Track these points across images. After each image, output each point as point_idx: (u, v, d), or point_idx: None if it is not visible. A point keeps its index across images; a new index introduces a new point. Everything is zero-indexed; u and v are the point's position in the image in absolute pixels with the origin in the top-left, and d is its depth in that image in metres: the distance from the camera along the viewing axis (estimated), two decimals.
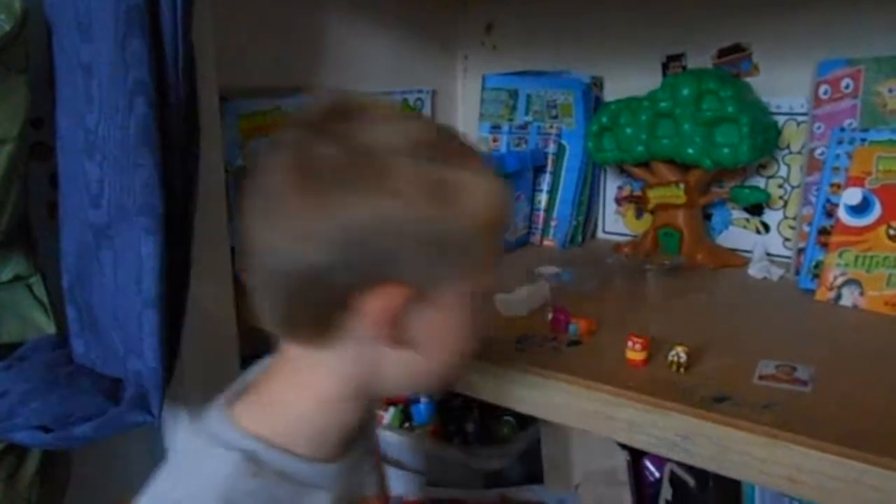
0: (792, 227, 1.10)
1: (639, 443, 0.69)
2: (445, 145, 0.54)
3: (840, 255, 0.90)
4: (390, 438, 1.18)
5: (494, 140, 1.34)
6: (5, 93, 0.80)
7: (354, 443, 0.60)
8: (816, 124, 1.02)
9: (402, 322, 0.52)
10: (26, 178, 0.86)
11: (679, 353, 0.72)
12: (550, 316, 0.86)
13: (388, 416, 1.26)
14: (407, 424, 1.27)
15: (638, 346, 0.74)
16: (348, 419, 0.57)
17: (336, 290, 0.50)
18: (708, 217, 1.18)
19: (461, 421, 1.23)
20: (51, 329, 0.92)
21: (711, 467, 0.65)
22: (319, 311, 0.52)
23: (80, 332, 0.87)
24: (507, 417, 1.20)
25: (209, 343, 0.98)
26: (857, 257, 0.89)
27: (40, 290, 0.92)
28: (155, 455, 1.07)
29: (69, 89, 0.81)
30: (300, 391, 0.56)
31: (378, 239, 0.49)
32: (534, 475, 1.15)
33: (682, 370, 0.72)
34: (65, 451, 0.96)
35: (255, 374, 0.62)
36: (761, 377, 0.70)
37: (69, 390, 0.85)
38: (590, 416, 0.71)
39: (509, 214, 0.59)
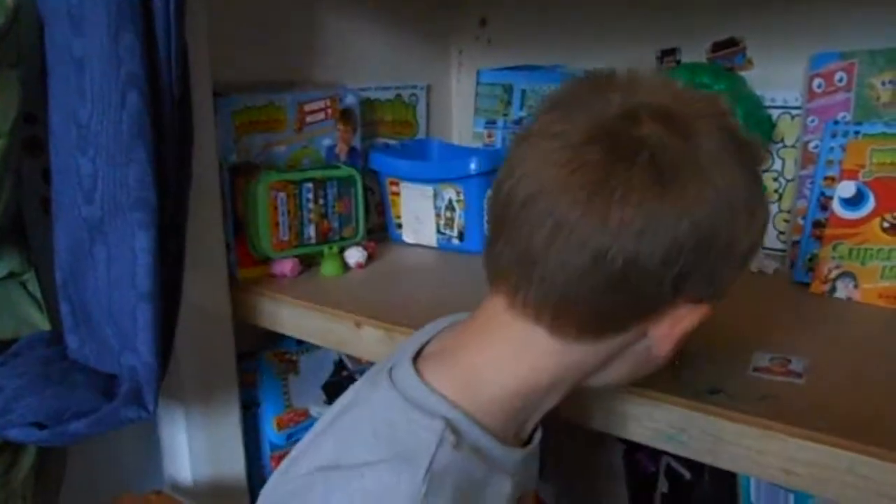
0: (786, 221, 1.10)
1: (633, 435, 0.69)
2: (744, 149, 0.50)
3: (834, 248, 0.91)
4: None
5: (489, 135, 1.34)
6: None
7: (537, 432, 0.58)
8: (810, 118, 1.02)
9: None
10: (19, 173, 0.86)
11: None
12: None
13: None
14: None
15: None
16: (548, 406, 0.56)
17: (656, 292, 0.48)
18: None
19: None
20: (45, 325, 0.92)
21: (706, 459, 0.65)
22: (619, 307, 0.50)
23: (74, 328, 0.87)
24: None
25: (204, 338, 0.98)
26: (851, 250, 0.89)
27: (34, 287, 0.92)
28: (150, 450, 1.08)
29: (61, 84, 0.81)
30: (513, 367, 0.53)
31: (710, 247, 0.47)
32: None
33: (677, 362, 0.72)
34: (60, 448, 0.96)
35: (444, 331, 0.60)
36: (756, 369, 0.70)
37: (63, 386, 0.85)
38: (584, 409, 0.71)
39: None
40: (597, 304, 0.49)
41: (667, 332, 0.52)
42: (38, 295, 0.92)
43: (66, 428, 0.82)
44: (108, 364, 0.86)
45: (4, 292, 0.91)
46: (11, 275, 0.91)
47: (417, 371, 0.54)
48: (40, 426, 0.82)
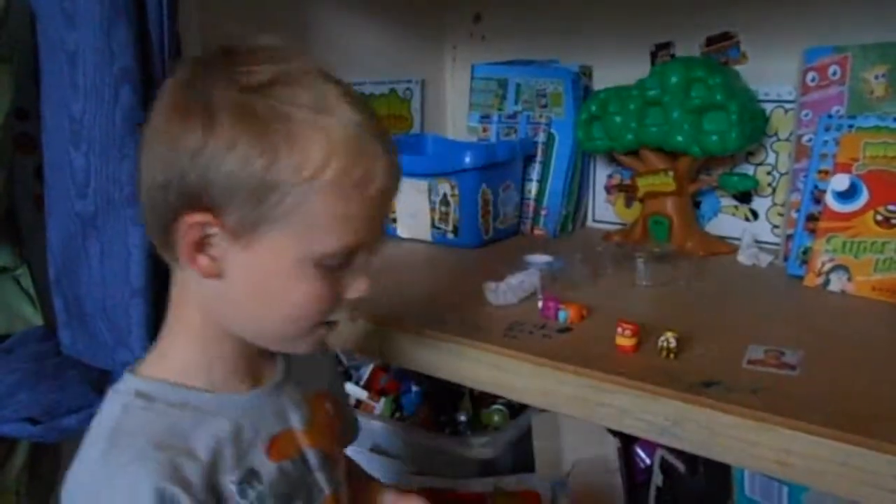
0: (780, 214, 1.10)
1: (629, 428, 0.69)
2: (304, 91, 0.53)
3: (828, 241, 0.91)
4: (381, 429, 1.18)
5: (484, 130, 1.34)
6: None
7: (265, 378, 0.62)
8: (804, 111, 1.02)
9: (211, 252, 0.54)
10: (12, 169, 0.86)
11: (669, 338, 0.72)
12: (541, 303, 0.86)
13: (378, 406, 1.26)
14: (398, 415, 1.27)
15: (628, 332, 0.74)
16: (230, 352, 0.59)
17: (164, 209, 0.54)
18: (697, 205, 1.18)
19: (452, 410, 1.23)
20: (38, 321, 0.92)
21: (701, 452, 0.65)
22: (160, 230, 0.55)
23: (68, 324, 0.87)
24: (497, 406, 1.21)
25: None
26: (844, 243, 0.90)
27: (27, 282, 0.92)
28: None
29: (54, 78, 0.81)
30: (179, 334, 0.59)
31: (191, 165, 0.52)
32: (525, 464, 1.15)
33: (671, 356, 0.72)
34: (53, 444, 0.95)
35: None
36: (750, 362, 0.71)
37: (56, 382, 0.84)
38: (580, 403, 0.71)
39: (376, 185, 0.55)
40: (150, 228, 0.57)
41: (180, 245, 0.55)
42: (31, 290, 0.92)
43: (59, 423, 0.82)
44: (101, 360, 0.86)
45: None
46: (4, 270, 0.90)
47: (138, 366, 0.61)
48: (33, 422, 0.82)
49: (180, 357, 0.59)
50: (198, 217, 0.52)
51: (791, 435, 0.59)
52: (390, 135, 0.58)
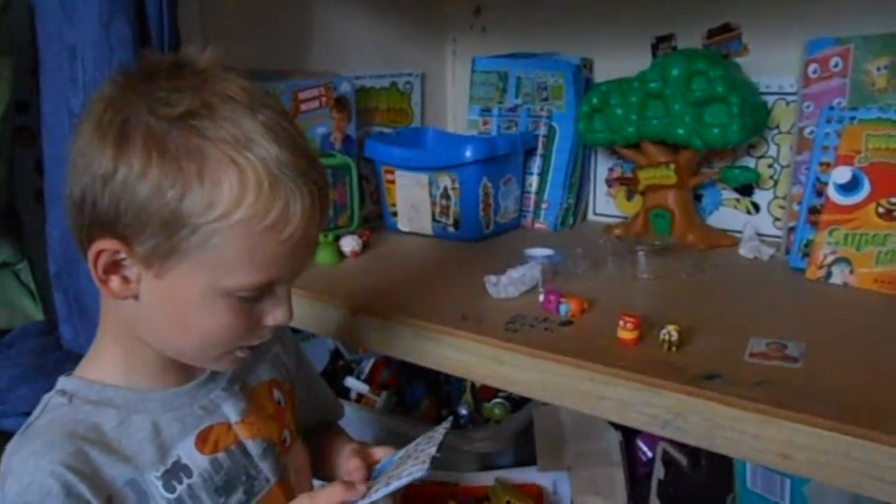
0: (782, 207, 1.10)
1: (630, 421, 0.69)
2: (223, 123, 0.51)
3: (830, 234, 0.91)
4: (383, 422, 1.18)
5: (485, 123, 1.34)
6: None
7: (194, 376, 0.63)
8: (806, 103, 1.01)
9: (125, 274, 0.55)
10: (12, 164, 0.86)
11: (670, 331, 0.72)
12: (542, 297, 0.86)
13: (380, 400, 1.26)
14: (400, 409, 1.27)
15: (629, 325, 0.74)
16: (146, 355, 0.60)
17: (80, 226, 0.55)
18: (698, 198, 1.18)
19: (454, 404, 1.24)
20: (38, 315, 0.92)
21: (703, 444, 0.65)
22: (77, 240, 0.56)
23: (69, 318, 0.87)
24: (498, 400, 1.21)
25: None
26: (846, 235, 0.89)
27: (27, 277, 0.92)
28: None
29: (54, 72, 0.81)
30: (105, 337, 0.61)
31: (104, 190, 0.52)
32: (526, 457, 1.16)
33: (673, 349, 0.72)
34: None
35: None
36: (752, 355, 0.70)
37: (58, 376, 0.84)
38: (581, 396, 0.71)
39: (292, 227, 0.53)
40: (71, 230, 0.58)
41: (91, 266, 0.55)
42: (32, 285, 0.92)
43: None
44: None
45: None
46: (5, 265, 0.90)
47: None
48: None
49: (105, 359, 0.61)
50: (108, 244, 0.53)
51: (793, 427, 0.59)
52: (320, 168, 0.57)
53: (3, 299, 0.90)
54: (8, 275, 0.91)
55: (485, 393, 1.24)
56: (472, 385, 1.26)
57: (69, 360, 0.87)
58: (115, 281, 0.55)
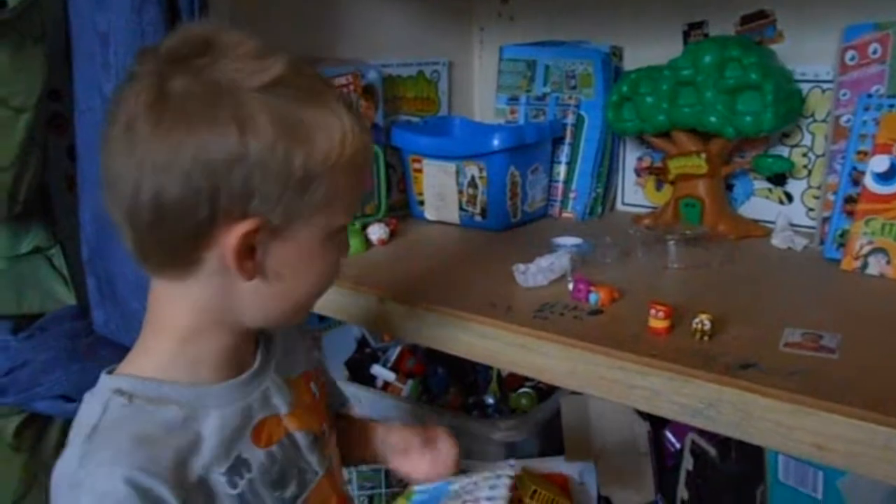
0: (816, 197, 1.08)
1: (661, 411, 0.68)
2: (303, 84, 0.55)
3: (867, 224, 0.89)
4: (409, 410, 1.18)
5: (512, 112, 1.33)
6: (22, 62, 0.80)
7: (246, 367, 0.62)
8: (842, 91, 0.99)
9: (255, 256, 0.54)
10: (45, 149, 0.87)
11: (703, 320, 0.71)
12: (571, 286, 0.85)
13: (406, 388, 1.26)
14: (425, 397, 1.27)
15: (661, 315, 0.73)
16: (217, 347, 0.59)
17: (192, 221, 0.52)
18: (729, 188, 1.16)
19: (480, 393, 1.23)
20: (70, 299, 0.93)
21: (735, 434, 0.64)
22: (176, 243, 0.53)
23: (101, 303, 0.88)
24: (525, 389, 1.20)
25: None
26: (884, 225, 0.87)
27: (60, 262, 0.93)
28: None
29: (86, 58, 0.81)
30: (162, 333, 0.58)
31: (230, 173, 0.51)
32: (553, 447, 1.15)
33: (705, 338, 0.71)
34: None
35: None
36: (787, 345, 0.69)
37: (90, 360, 0.85)
38: (611, 385, 0.71)
39: (366, 155, 0.60)
40: (155, 239, 0.54)
41: (230, 256, 0.53)
42: (64, 270, 0.93)
43: None
44: (133, 339, 0.87)
45: (31, 267, 0.92)
46: (37, 250, 0.91)
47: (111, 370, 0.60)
48: (68, 399, 0.84)
49: (160, 356, 0.58)
50: (248, 225, 0.52)
51: (830, 418, 0.58)
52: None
53: (36, 284, 0.92)
54: (41, 259, 0.92)
55: (511, 382, 1.24)
56: (499, 374, 1.25)
57: (100, 344, 0.89)
58: (248, 265, 0.54)
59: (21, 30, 0.78)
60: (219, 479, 0.56)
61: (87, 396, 0.58)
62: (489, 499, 0.65)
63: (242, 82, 0.52)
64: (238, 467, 0.57)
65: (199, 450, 0.55)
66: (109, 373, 0.59)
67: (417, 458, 0.76)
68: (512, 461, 0.68)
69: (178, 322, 0.57)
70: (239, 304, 0.57)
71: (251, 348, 0.63)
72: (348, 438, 0.77)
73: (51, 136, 0.90)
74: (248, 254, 0.54)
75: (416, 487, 0.69)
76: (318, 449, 0.66)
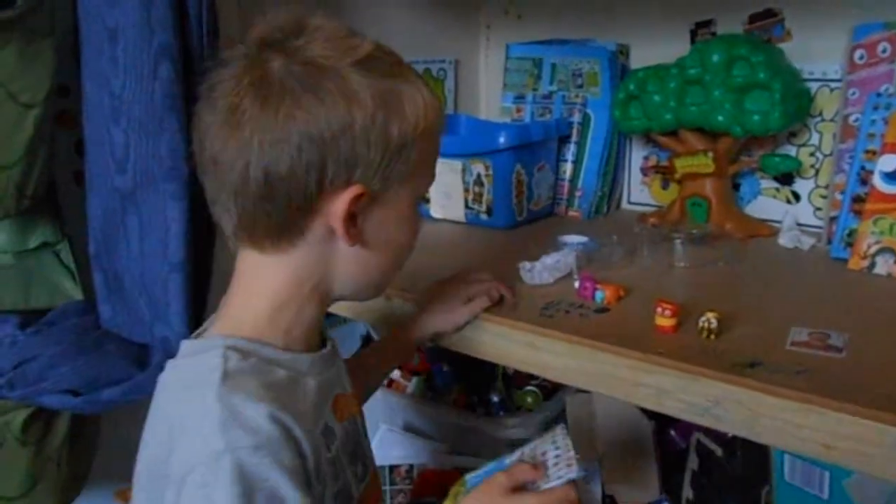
0: (823, 197, 1.07)
1: (668, 409, 0.68)
2: (387, 60, 0.59)
3: (874, 223, 0.89)
4: (413, 407, 1.18)
5: (518, 110, 1.33)
6: (32, 57, 0.80)
7: (322, 337, 0.65)
8: (851, 90, 0.99)
9: (357, 222, 0.58)
10: (53, 145, 0.87)
11: (710, 319, 0.71)
12: (577, 283, 0.85)
13: (411, 385, 1.26)
14: (430, 394, 1.27)
15: (667, 313, 0.73)
16: (308, 316, 0.61)
17: (301, 192, 0.55)
18: (736, 187, 1.16)
19: (485, 391, 1.23)
20: (78, 294, 0.93)
21: (742, 433, 0.64)
22: (284, 213, 0.56)
23: (107, 298, 0.88)
24: (531, 388, 1.20)
25: None
26: (892, 225, 0.87)
27: (67, 257, 0.93)
28: None
29: (95, 54, 0.81)
30: (257, 299, 0.60)
31: (338, 143, 0.54)
32: None
33: (712, 336, 0.71)
34: (93, 416, 0.97)
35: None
36: (794, 343, 0.69)
37: (97, 355, 0.85)
38: (618, 383, 0.70)
39: (442, 122, 0.64)
40: (263, 213, 0.56)
41: (337, 222, 0.57)
42: (72, 265, 0.93)
43: (99, 396, 0.83)
44: (140, 334, 0.87)
45: (38, 262, 0.92)
46: (45, 245, 0.91)
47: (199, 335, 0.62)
48: (74, 393, 0.84)
49: (256, 321, 0.59)
50: (354, 191, 0.56)
51: (838, 417, 0.58)
52: None
53: (44, 279, 0.92)
54: (49, 255, 0.92)
55: (516, 380, 1.24)
56: (504, 372, 1.25)
57: (107, 339, 0.88)
58: (353, 230, 0.58)
59: (30, 25, 0.78)
60: (321, 440, 0.58)
61: (189, 352, 0.59)
62: (556, 454, 0.65)
63: (339, 60, 0.56)
64: (328, 434, 0.60)
65: (306, 408, 0.58)
66: (200, 335, 0.61)
67: (460, 304, 0.80)
68: (562, 425, 0.68)
69: (274, 290, 0.60)
70: (337, 273, 0.61)
71: (320, 328, 0.65)
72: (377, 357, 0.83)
73: (58, 132, 0.90)
74: (352, 220, 0.57)
75: (467, 476, 0.69)
76: (367, 434, 0.70)
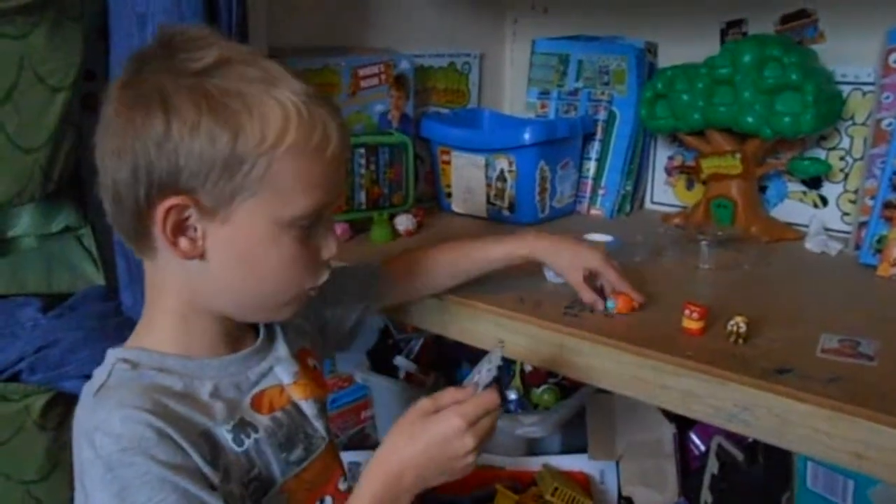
0: (851, 201, 1.06)
1: (694, 413, 0.67)
2: (242, 72, 0.56)
3: None
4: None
5: (543, 106, 1.32)
6: (61, 41, 0.80)
7: (245, 345, 0.65)
8: (885, 94, 0.97)
9: (191, 234, 0.57)
10: (79, 129, 0.86)
11: (739, 323, 0.70)
12: (600, 283, 0.84)
13: (429, 380, 1.26)
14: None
15: (695, 315, 0.72)
16: (202, 327, 0.62)
17: (135, 201, 0.56)
18: (763, 189, 1.14)
19: (503, 388, 1.22)
20: (99, 280, 0.93)
21: (771, 440, 0.63)
22: (132, 222, 0.57)
23: (130, 285, 0.88)
24: (548, 386, 1.19)
25: None
26: None
27: (89, 242, 0.93)
28: None
29: (123, 39, 0.81)
30: (152, 308, 0.62)
31: (159, 152, 0.54)
32: (576, 444, 1.14)
33: (740, 341, 0.70)
34: None
35: None
36: (824, 350, 0.68)
37: (118, 341, 0.85)
38: (643, 384, 0.70)
39: (333, 146, 0.58)
40: (116, 223, 0.59)
41: (158, 232, 0.56)
42: (94, 250, 0.93)
43: None
44: None
45: (60, 246, 0.92)
46: (68, 229, 0.92)
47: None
48: None
49: (160, 329, 0.61)
50: (174, 201, 0.55)
51: (869, 427, 0.57)
52: (334, 102, 0.62)
53: (66, 263, 0.92)
54: (71, 239, 0.92)
55: (534, 378, 1.23)
56: (522, 370, 1.24)
57: (129, 326, 0.88)
58: (183, 242, 0.57)
59: (59, 9, 0.78)
60: (224, 435, 0.59)
61: (94, 373, 0.61)
62: (488, 369, 0.64)
63: (179, 70, 0.55)
64: (243, 427, 0.60)
65: (199, 408, 0.58)
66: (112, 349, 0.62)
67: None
68: (502, 343, 0.67)
69: (168, 304, 0.61)
70: (204, 288, 0.60)
71: (250, 327, 0.66)
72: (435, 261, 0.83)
73: (85, 117, 0.90)
74: (181, 230, 0.56)
75: None
76: (325, 417, 0.69)
